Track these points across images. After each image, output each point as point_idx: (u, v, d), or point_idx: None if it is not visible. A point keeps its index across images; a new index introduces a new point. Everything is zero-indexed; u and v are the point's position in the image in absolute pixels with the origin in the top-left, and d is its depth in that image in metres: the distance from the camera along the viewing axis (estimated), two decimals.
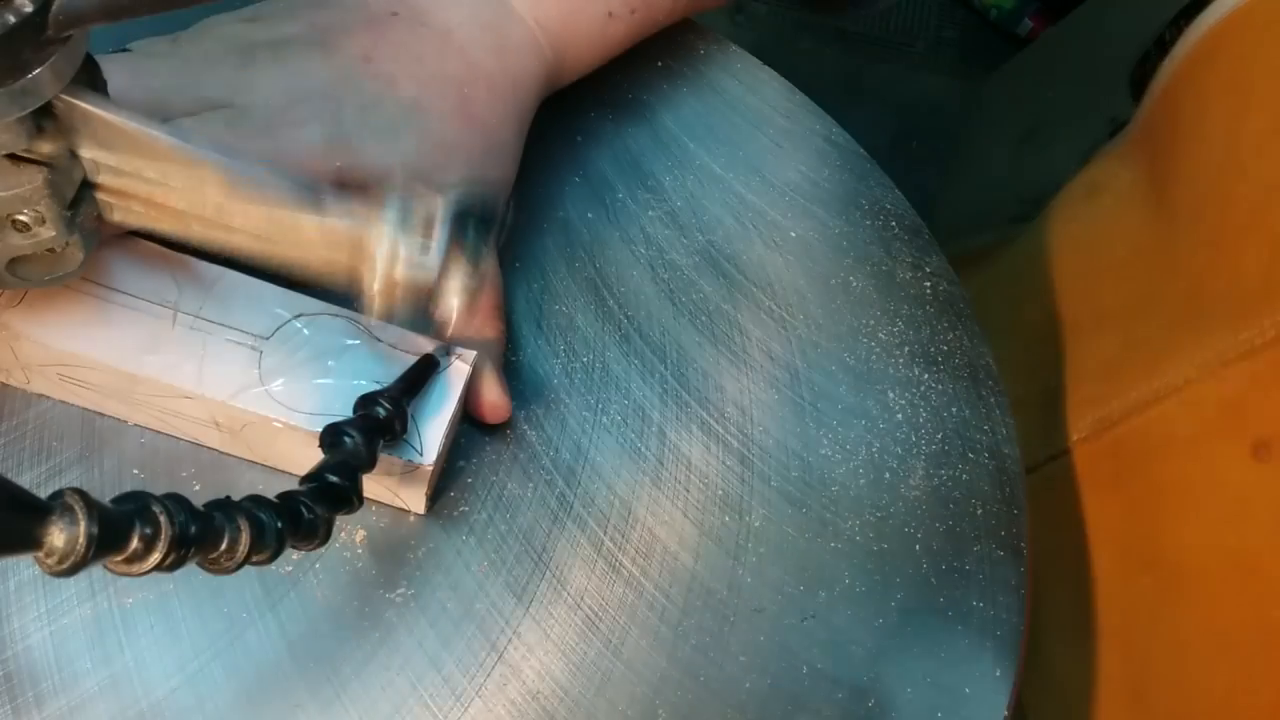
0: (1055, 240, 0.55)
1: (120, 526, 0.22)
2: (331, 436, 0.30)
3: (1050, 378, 0.50)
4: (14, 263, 0.31)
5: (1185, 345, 0.43)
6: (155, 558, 0.23)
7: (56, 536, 0.21)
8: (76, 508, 0.21)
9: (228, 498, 0.26)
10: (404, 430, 0.32)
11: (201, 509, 0.25)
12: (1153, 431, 0.44)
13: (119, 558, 0.23)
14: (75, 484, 0.33)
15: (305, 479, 0.29)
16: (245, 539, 0.26)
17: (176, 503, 0.24)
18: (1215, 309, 0.41)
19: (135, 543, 0.23)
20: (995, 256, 0.63)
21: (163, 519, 0.23)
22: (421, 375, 0.33)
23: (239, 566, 0.26)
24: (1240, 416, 0.40)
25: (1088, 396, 0.47)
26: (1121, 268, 0.49)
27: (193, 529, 0.24)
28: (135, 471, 0.34)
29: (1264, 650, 0.39)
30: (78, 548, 0.21)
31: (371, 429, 0.30)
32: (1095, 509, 0.46)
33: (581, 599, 0.34)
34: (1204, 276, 0.43)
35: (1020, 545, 0.38)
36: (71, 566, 0.21)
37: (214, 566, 0.26)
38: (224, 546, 0.25)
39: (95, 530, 0.21)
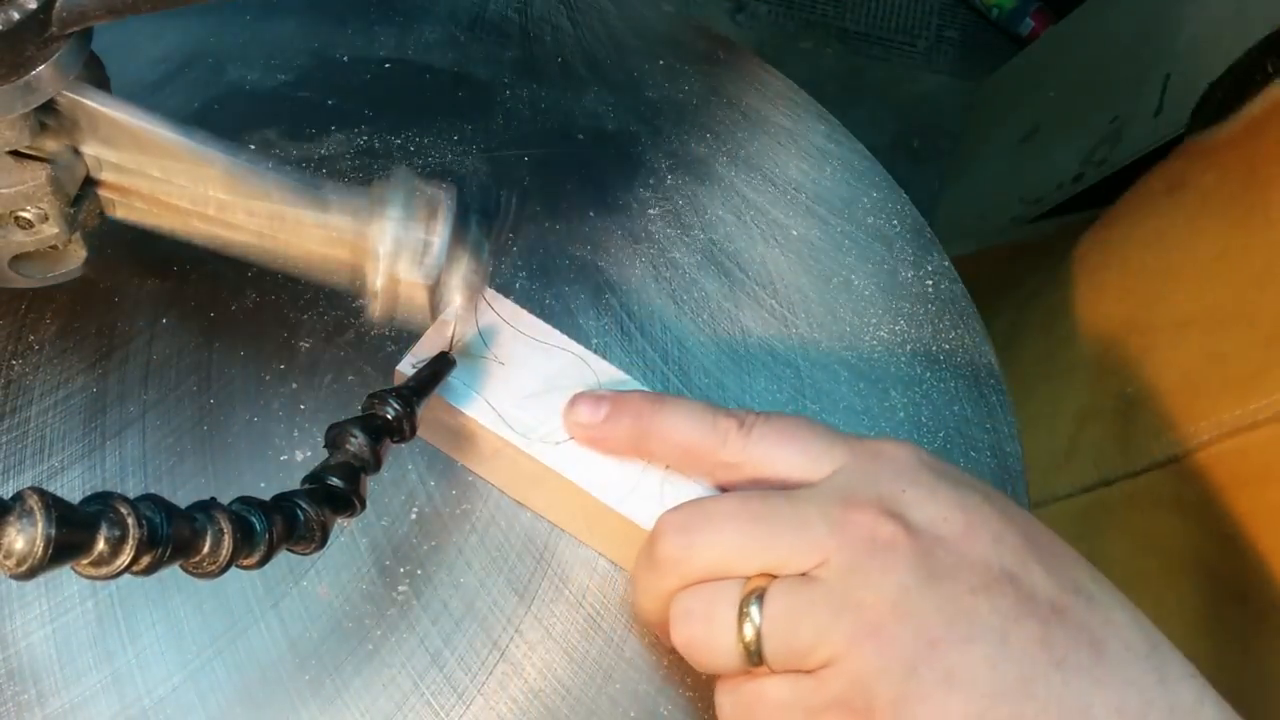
0: (1132, 234, 0.52)
1: (84, 528, 0.22)
2: (335, 436, 0.29)
3: (1127, 385, 0.47)
4: (16, 259, 0.31)
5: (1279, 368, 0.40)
6: (123, 560, 0.22)
7: (14, 538, 0.20)
8: (36, 508, 0.20)
9: (212, 499, 0.25)
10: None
11: (182, 510, 0.24)
12: (1245, 459, 0.41)
13: (85, 560, 0.22)
14: (76, 483, 0.33)
15: (305, 480, 0.28)
16: (229, 541, 0.25)
17: (152, 503, 0.23)
18: None
19: (101, 545, 0.22)
20: (1061, 246, 0.60)
21: (130, 520, 0.22)
22: (434, 375, 0.32)
23: (223, 570, 0.25)
24: None
25: (1169, 412, 0.45)
26: (1204, 271, 0.46)
27: (166, 530, 0.23)
28: (136, 470, 0.34)
29: None
30: (35, 550, 0.20)
31: (378, 430, 0.29)
32: (1180, 532, 0.44)
33: (584, 597, 0.34)
34: None
35: None
36: (30, 569, 0.20)
37: (196, 570, 0.25)
38: (205, 549, 0.24)
39: (54, 532, 0.20)
